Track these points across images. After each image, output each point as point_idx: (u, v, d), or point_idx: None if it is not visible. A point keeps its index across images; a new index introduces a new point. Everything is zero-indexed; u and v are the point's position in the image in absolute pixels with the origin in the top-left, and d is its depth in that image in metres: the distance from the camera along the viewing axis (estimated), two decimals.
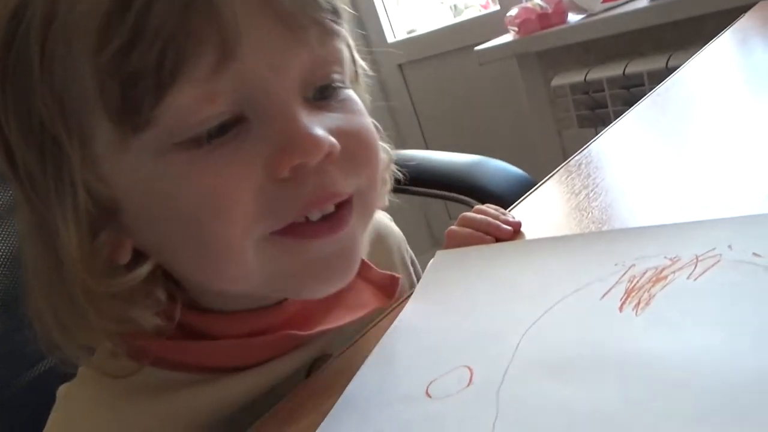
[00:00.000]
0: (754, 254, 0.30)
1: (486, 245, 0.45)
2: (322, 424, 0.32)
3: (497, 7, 1.59)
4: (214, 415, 0.37)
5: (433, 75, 1.88)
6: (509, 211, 0.50)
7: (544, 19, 1.30)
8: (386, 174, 0.44)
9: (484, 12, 1.73)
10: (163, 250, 0.34)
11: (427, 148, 2.04)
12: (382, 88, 2.06)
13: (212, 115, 0.30)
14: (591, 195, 0.47)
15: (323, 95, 0.34)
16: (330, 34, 0.33)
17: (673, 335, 0.28)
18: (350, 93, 0.36)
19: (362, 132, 0.35)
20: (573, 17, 1.30)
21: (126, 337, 0.35)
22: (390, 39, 1.95)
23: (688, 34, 1.17)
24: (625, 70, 1.22)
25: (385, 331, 0.39)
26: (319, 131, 0.31)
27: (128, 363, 0.35)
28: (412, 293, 0.42)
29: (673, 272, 0.32)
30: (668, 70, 1.10)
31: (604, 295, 0.33)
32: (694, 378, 0.25)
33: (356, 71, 0.40)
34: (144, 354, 0.36)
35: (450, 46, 1.78)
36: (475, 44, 1.44)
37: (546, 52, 1.41)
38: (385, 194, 0.44)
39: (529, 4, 1.33)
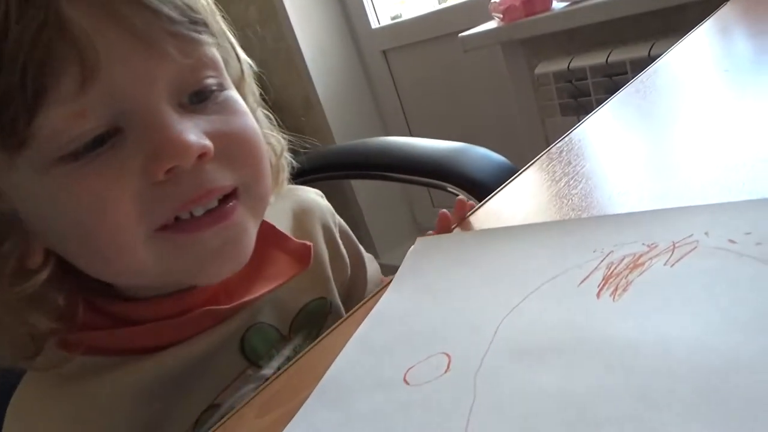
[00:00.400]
0: (730, 241, 0.31)
1: (466, 231, 0.45)
2: (299, 411, 0.32)
3: None
4: (145, 389, 0.40)
5: (418, 61, 1.88)
6: (491, 198, 0.50)
7: (528, 6, 1.30)
8: (282, 161, 0.48)
9: None
10: (67, 252, 0.37)
11: (410, 134, 2.03)
12: (365, 74, 2.05)
13: (85, 130, 0.33)
14: (571, 182, 0.47)
15: (199, 99, 0.37)
16: (191, 44, 0.35)
17: (648, 321, 0.28)
18: (229, 94, 0.39)
19: (239, 131, 0.38)
20: (557, 5, 1.30)
21: (55, 331, 0.38)
22: (374, 25, 1.93)
23: (670, 23, 1.18)
24: (608, 58, 1.22)
25: (364, 317, 0.38)
26: (191, 135, 0.34)
27: (58, 355, 0.39)
28: (391, 280, 0.42)
29: (650, 259, 0.32)
30: (651, 59, 1.11)
31: (582, 282, 0.33)
32: (667, 362, 0.25)
33: (242, 69, 0.43)
34: (74, 345, 0.39)
35: (434, 33, 1.77)
36: (459, 31, 1.44)
37: (530, 39, 1.41)
38: (283, 181, 0.49)
39: None
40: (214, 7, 0.39)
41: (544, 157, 0.54)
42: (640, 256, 0.33)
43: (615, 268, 0.33)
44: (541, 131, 1.49)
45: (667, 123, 0.54)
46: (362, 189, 2.07)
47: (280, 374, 0.37)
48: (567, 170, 0.49)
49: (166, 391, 0.41)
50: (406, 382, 0.31)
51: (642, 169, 0.46)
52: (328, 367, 0.35)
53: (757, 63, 0.59)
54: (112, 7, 0.32)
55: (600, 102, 0.65)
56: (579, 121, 0.60)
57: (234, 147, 0.37)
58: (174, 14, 0.34)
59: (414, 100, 1.98)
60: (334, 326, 0.40)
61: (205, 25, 0.36)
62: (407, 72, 1.94)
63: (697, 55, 0.71)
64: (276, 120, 0.48)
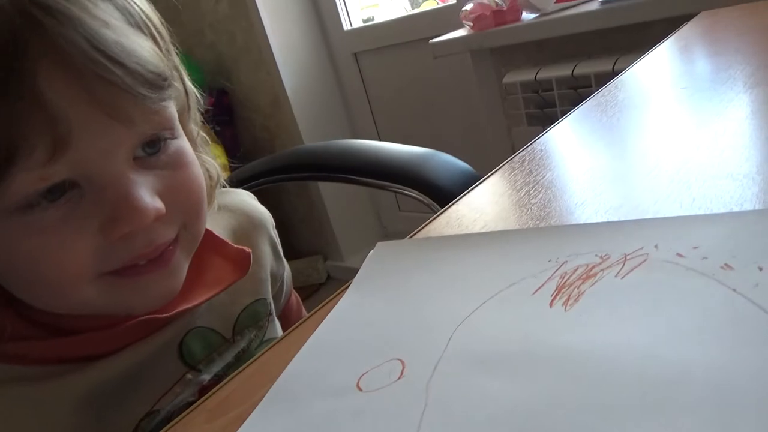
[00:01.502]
0: (678, 254, 0.31)
1: (426, 238, 0.45)
2: (251, 415, 0.32)
3: (454, 1, 1.60)
4: (82, 398, 0.40)
5: (388, 65, 1.88)
6: (452, 204, 0.50)
7: (498, 16, 1.31)
8: (217, 186, 0.50)
9: (441, 5, 1.74)
10: (10, 285, 0.39)
11: (379, 137, 2.04)
12: (336, 76, 2.05)
13: (44, 186, 0.34)
14: (532, 191, 0.47)
15: (152, 150, 0.38)
16: (157, 110, 0.37)
17: (597, 331, 0.29)
18: (179, 144, 0.40)
19: (187, 185, 0.40)
20: (527, 16, 1.32)
21: None
22: (346, 27, 1.93)
23: (634, 39, 1.21)
24: (573, 70, 1.24)
25: (319, 322, 0.38)
26: (147, 200, 0.36)
27: None
28: (348, 284, 0.42)
29: (602, 270, 0.33)
30: (614, 73, 1.13)
31: (536, 291, 0.33)
32: (613, 372, 0.26)
33: (187, 101, 0.45)
34: (6, 356, 0.39)
35: (406, 38, 1.78)
36: (430, 37, 1.45)
37: (499, 48, 1.43)
38: (213, 200, 0.50)
39: (485, 0, 1.34)
40: (170, 44, 0.41)
41: (506, 165, 0.55)
42: (593, 267, 0.33)
43: (568, 278, 0.33)
44: (507, 140, 1.51)
45: (625, 137, 0.55)
46: (329, 192, 2.07)
47: (231, 378, 0.37)
48: (528, 179, 0.50)
49: (104, 399, 0.41)
50: (359, 388, 0.31)
51: (600, 180, 0.46)
52: (280, 371, 0.34)
53: (714, 82, 0.61)
54: (87, 86, 0.33)
55: (565, 113, 0.66)
56: (544, 131, 0.61)
57: (180, 202, 0.39)
58: (146, 91, 0.35)
59: (383, 103, 1.98)
60: (289, 331, 0.40)
61: (170, 86, 0.37)
62: (377, 75, 1.94)
63: (657, 72, 0.73)
64: (215, 135, 0.51)
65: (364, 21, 1.94)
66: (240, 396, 0.34)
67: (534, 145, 0.58)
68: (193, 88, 0.46)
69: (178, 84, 0.41)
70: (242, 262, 0.47)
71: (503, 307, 0.33)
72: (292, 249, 2.29)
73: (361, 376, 0.31)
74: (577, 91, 1.24)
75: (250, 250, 0.48)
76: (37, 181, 0.33)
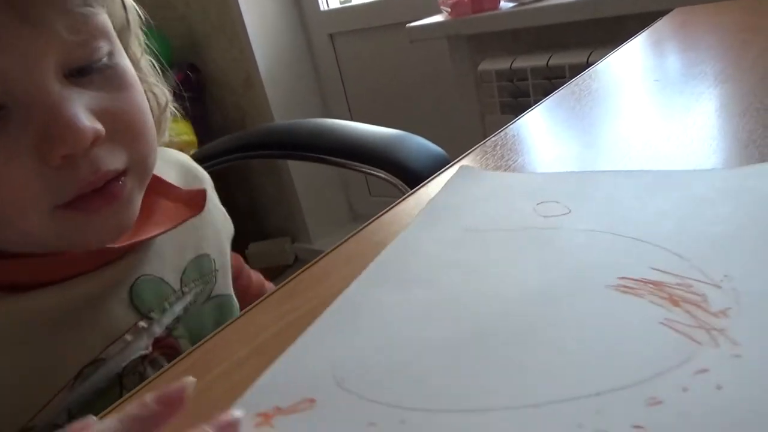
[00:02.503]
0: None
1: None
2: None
3: None
4: (21, 329, 0.38)
5: (364, 48, 1.86)
6: (422, 186, 0.50)
7: (477, 3, 1.31)
8: (166, 113, 0.47)
9: None
10: None
11: (352, 120, 2.02)
12: (310, 56, 2.02)
13: None
14: None
15: (88, 70, 0.35)
16: (82, 19, 0.34)
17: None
18: (117, 65, 0.37)
19: (128, 110, 0.37)
20: (505, 4, 1.32)
21: None
22: (323, 7, 1.90)
23: (609, 33, 1.21)
24: (548, 61, 1.25)
25: (289, 295, 0.37)
26: (82, 119, 0.33)
27: None
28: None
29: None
30: (588, 65, 1.13)
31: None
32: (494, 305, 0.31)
33: (126, 17, 0.41)
34: None
35: (383, 21, 1.76)
36: (407, 21, 1.43)
37: (476, 36, 1.42)
38: (164, 131, 0.48)
39: None
40: None
41: (478, 149, 0.55)
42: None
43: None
44: (480, 127, 1.51)
45: (597, 125, 0.55)
46: (298, 173, 2.04)
47: (201, 345, 0.36)
48: (499, 164, 0.50)
49: (45, 333, 0.39)
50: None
51: (570, 167, 0.47)
52: (250, 339, 0.34)
53: (685, 76, 0.61)
54: None
55: (538, 103, 0.66)
56: (517, 117, 0.61)
57: (122, 127, 0.37)
58: None
59: (357, 86, 1.96)
60: (257, 301, 0.39)
61: None
62: (353, 57, 1.92)
63: (631, 64, 0.73)
64: (163, 66, 0.47)
65: (341, 2, 1.92)
66: (224, 353, 0.34)
67: (507, 130, 0.58)
68: (133, 3, 0.43)
69: (107, 17, 0.37)
70: (195, 201, 0.45)
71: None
72: (260, 230, 2.27)
73: None
74: (552, 82, 1.25)
75: (205, 189, 0.46)
76: None
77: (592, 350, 0.26)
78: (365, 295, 0.35)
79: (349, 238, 0.44)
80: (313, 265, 0.41)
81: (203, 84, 2.11)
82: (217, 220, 0.53)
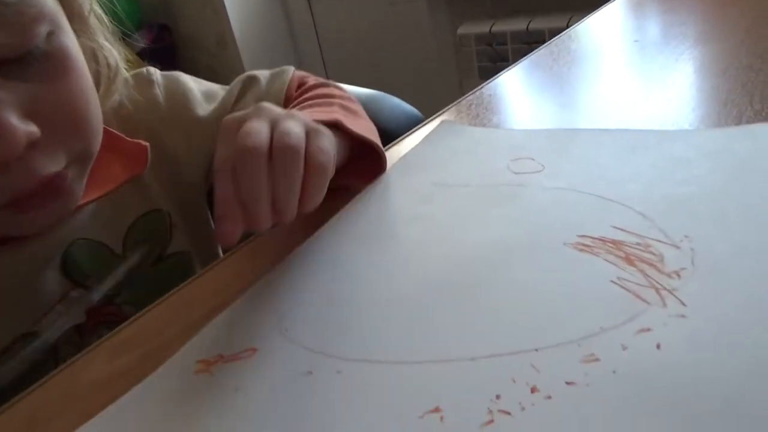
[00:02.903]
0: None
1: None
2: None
3: None
4: None
5: (342, 9, 1.82)
6: (395, 143, 0.48)
7: None
8: (117, 77, 0.42)
9: None
10: None
11: None
12: (286, 17, 1.97)
13: None
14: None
15: (23, 58, 0.31)
16: (12, 13, 0.30)
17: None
18: (57, 46, 0.33)
19: (67, 99, 0.34)
20: None
21: None
22: None
23: None
24: (528, 25, 1.23)
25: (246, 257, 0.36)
26: (13, 123, 0.29)
27: None
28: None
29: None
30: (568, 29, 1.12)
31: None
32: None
33: None
34: None
35: None
36: None
37: None
38: (113, 93, 0.43)
39: None
40: None
41: (453, 108, 0.53)
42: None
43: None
44: (457, 92, 1.49)
45: (574, 85, 0.54)
46: None
47: (142, 315, 0.34)
48: (474, 123, 0.48)
49: None
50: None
51: (545, 125, 0.45)
52: (205, 302, 0.32)
53: (666, 37, 0.60)
54: None
55: None
56: (494, 76, 0.59)
57: (62, 119, 0.33)
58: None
59: (335, 48, 1.92)
60: (221, 259, 0.37)
61: None
62: (330, 18, 1.88)
63: (610, 25, 0.72)
64: (113, 21, 0.41)
65: None
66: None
67: (483, 89, 0.56)
68: None
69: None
70: (138, 158, 0.40)
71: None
72: None
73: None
74: (531, 46, 1.23)
75: (147, 144, 0.41)
76: None
77: (538, 307, 0.26)
78: (324, 247, 0.34)
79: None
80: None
81: (175, 44, 2.05)
82: (178, 155, 0.47)
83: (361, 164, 0.41)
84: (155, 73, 0.48)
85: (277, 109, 0.33)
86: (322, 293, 0.30)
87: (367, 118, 0.47)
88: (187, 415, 0.25)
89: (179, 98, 0.47)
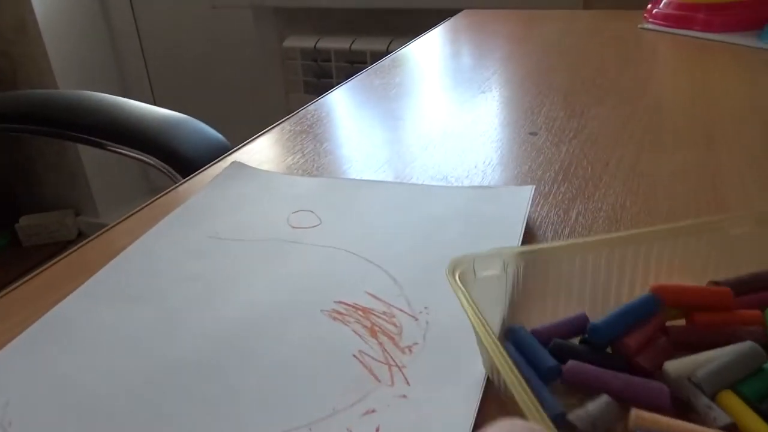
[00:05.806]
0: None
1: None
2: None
3: None
4: None
5: (164, 6, 1.72)
6: (196, 175, 0.47)
7: None
8: None
9: None
10: None
11: (149, 82, 1.86)
12: (102, 7, 1.81)
13: None
14: (300, 156, 0.46)
15: None
16: None
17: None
18: None
19: None
20: None
21: None
22: None
23: (408, 24, 1.27)
24: (351, 45, 1.26)
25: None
26: None
27: None
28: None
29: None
30: (388, 53, 1.18)
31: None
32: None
33: None
34: None
35: None
36: None
37: (283, 10, 1.39)
38: None
39: None
40: None
41: (277, 128, 0.53)
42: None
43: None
44: (283, 104, 1.49)
45: (392, 106, 0.57)
46: None
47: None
48: (296, 143, 0.49)
49: None
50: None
51: (364, 147, 0.48)
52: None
53: (475, 65, 0.66)
54: None
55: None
56: (317, 98, 0.61)
57: None
58: None
59: (158, 53, 1.81)
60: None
61: None
62: (153, 22, 1.76)
63: (427, 53, 0.78)
64: None
65: None
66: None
67: (301, 112, 0.57)
68: None
69: None
70: None
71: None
72: (37, 200, 2.00)
73: None
74: (354, 66, 1.27)
75: None
76: None
77: (278, 387, 0.24)
78: (77, 311, 0.30)
79: (113, 226, 0.39)
80: (72, 252, 0.36)
81: None
82: None
83: None
84: None
85: None
86: (59, 372, 0.26)
87: None
88: None
89: None
